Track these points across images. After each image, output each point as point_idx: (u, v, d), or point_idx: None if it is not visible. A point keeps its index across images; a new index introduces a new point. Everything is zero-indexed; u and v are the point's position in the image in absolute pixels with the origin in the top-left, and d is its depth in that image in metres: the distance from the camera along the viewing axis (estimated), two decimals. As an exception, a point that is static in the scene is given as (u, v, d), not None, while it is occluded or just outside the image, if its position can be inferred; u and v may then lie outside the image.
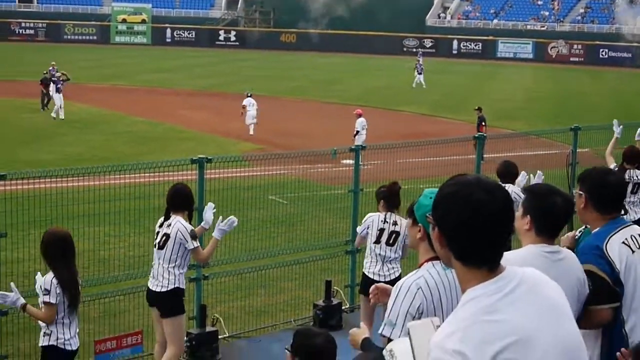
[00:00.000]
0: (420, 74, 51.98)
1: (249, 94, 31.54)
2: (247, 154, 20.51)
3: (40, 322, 7.37)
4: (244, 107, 31.04)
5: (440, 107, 40.56)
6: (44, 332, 7.29)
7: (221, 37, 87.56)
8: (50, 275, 7.27)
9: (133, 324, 10.15)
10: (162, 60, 65.52)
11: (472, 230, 2.91)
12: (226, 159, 13.15)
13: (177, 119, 33.40)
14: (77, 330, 7.44)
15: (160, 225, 8.55)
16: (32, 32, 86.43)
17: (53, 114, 32.00)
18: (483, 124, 27.63)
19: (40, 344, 7.38)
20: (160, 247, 8.44)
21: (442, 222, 2.99)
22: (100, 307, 9.89)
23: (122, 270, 12.04)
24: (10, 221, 9.95)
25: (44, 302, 7.24)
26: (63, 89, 32.79)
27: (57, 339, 7.23)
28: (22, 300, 7.39)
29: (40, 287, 7.23)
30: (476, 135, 14.47)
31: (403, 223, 9.64)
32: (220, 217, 8.81)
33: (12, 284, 7.60)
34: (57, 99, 32.31)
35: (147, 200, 11.81)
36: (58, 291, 7.17)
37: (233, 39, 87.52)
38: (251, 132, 30.21)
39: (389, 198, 9.57)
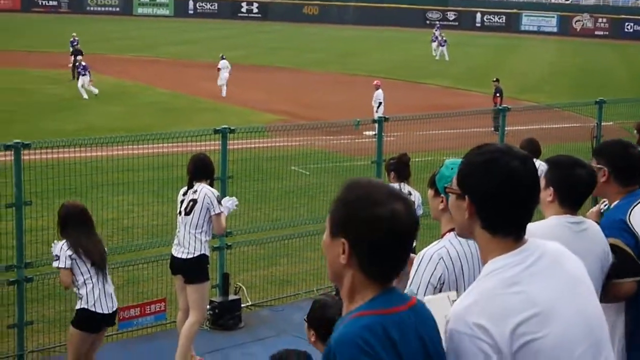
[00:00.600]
0: (442, 45, 51.95)
1: (223, 57, 33.14)
2: (269, 125, 20.52)
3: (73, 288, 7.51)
4: (218, 69, 32.90)
5: (463, 80, 40.37)
6: (77, 296, 7.40)
7: (243, 9, 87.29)
8: (61, 242, 7.44)
9: (156, 292, 10.22)
10: (184, 33, 65.46)
11: (504, 198, 2.88)
12: (249, 129, 13.20)
13: (200, 91, 33.45)
14: (111, 294, 7.49)
15: (185, 194, 8.60)
16: (55, 3, 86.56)
17: (85, 96, 31.50)
18: (498, 95, 27.53)
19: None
20: (187, 213, 8.49)
21: (474, 190, 2.94)
22: (123, 275, 9.96)
23: (145, 239, 12.11)
24: (35, 189, 10.04)
25: (57, 268, 7.49)
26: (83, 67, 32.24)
27: (87, 302, 7.36)
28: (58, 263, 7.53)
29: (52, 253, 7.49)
30: (500, 107, 14.37)
31: (416, 194, 9.66)
32: (232, 197, 8.88)
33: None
34: (81, 81, 31.84)
35: (170, 170, 11.85)
36: (69, 256, 7.35)
37: (255, 10, 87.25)
38: (223, 94, 31.64)
39: (400, 169, 9.60)
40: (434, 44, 53.87)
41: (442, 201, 4.48)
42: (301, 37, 65.47)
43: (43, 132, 21.25)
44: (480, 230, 2.97)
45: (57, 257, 7.43)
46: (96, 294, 7.36)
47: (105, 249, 7.79)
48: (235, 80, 36.84)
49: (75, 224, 7.44)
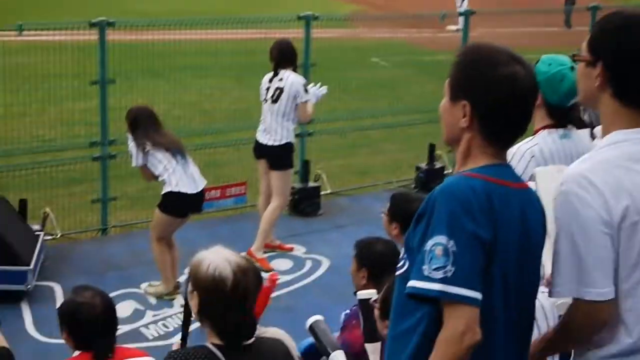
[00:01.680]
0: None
1: None
2: (352, 14, 20.20)
3: None
4: None
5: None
6: (162, 183, 7.49)
7: None
8: (131, 142, 7.50)
9: (235, 176, 10.27)
10: None
11: None
12: (332, 17, 13.00)
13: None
14: (192, 174, 7.53)
15: (270, 81, 8.51)
16: None
17: None
18: None
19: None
20: (274, 101, 8.42)
21: (608, 54, 2.79)
22: (203, 157, 9.98)
23: (225, 123, 12.13)
24: (119, 69, 10.08)
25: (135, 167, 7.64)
26: None
27: (171, 184, 7.40)
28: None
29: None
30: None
31: None
32: (318, 84, 8.73)
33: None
34: None
35: (251, 56, 11.78)
36: (141, 152, 7.40)
37: None
38: None
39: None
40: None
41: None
42: None
43: (125, 13, 21.26)
44: (609, 99, 2.82)
45: (132, 156, 7.53)
46: (177, 175, 7.39)
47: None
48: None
49: (145, 125, 7.46)
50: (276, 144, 8.44)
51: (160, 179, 7.48)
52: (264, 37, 10.21)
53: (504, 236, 2.63)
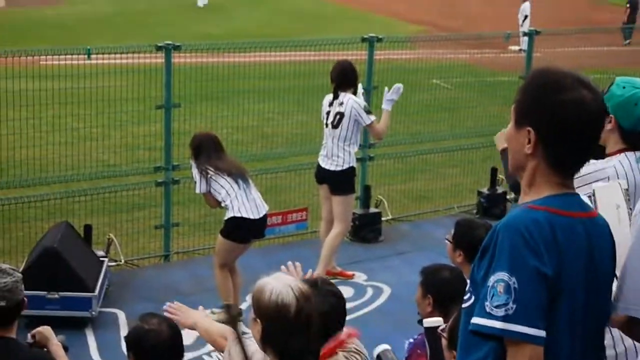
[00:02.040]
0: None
1: None
2: (414, 36, 20.13)
3: None
4: None
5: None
6: (225, 208, 7.51)
7: None
8: (194, 169, 7.53)
9: (296, 201, 10.28)
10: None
11: None
12: (395, 39, 12.96)
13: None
14: (255, 199, 7.53)
15: (330, 104, 8.47)
16: None
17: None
18: (628, 5, 26.29)
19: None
20: (335, 126, 8.39)
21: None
22: (264, 182, 10.03)
23: (286, 147, 12.15)
24: (182, 92, 10.17)
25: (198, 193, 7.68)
26: None
27: (233, 209, 7.42)
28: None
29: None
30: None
31: None
32: (386, 88, 8.67)
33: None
34: None
35: (313, 78, 11.78)
36: (204, 179, 7.42)
37: None
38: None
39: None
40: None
41: (610, 121, 4.22)
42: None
43: (189, 35, 21.49)
44: None
45: (195, 183, 7.56)
46: (240, 201, 7.41)
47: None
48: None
49: (208, 152, 7.49)
50: (338, 169, 8.41)
51: (222, 204, 7.50)
52: (326, 59, 10.22)
53: (569, 270, 2.59)
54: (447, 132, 13.48)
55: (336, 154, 8.40)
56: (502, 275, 2.53)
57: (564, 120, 2.63)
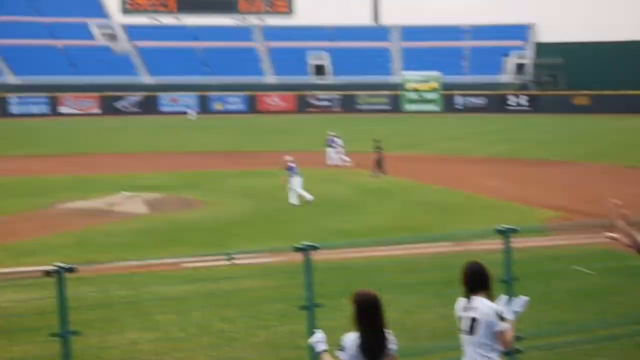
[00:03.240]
0: None
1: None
2: (552, 224, 19.93)
3: None
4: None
5: None
6: None
7: (511, 102, 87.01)
8: (353, 334, 7.35)
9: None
10: (452, 128, 66.00)
11: None
12: (532, 229, 12.89)
13: (473, 187, 33.22)
14: None
15: (464, 309, 8.27)
16: (328, 103, 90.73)
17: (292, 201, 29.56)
18: None
19: None
20: (470, 333, 8.19)
21: None
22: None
23: (430, 341, 11.98)
24: (323, 291, 10.25)
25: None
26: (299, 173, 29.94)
27: None
28: (323, 347, 7.46)
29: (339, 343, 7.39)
30: None
31: None
32: (502, 295, 8.44)
33: (320, 330, 7.70)
34: (294, 183, 29.70)
35: (452, 271, 11.72)
36: (354, 351, 7.17)
37: (524, 103, 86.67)
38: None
39: None
40: None
41: None
42: (572, 129, 64.00)
43: (324, 232, 21.83)
44: None
45: (342, 348, 7.23)
46: None
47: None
48: (508, 175, 36.48)
49: (370, 317, 7.33)
50: None
51: None
52: (462, 250, 10.21)
53: None
54: (597, 320, 13.04)
55: None
56: None
57: None
